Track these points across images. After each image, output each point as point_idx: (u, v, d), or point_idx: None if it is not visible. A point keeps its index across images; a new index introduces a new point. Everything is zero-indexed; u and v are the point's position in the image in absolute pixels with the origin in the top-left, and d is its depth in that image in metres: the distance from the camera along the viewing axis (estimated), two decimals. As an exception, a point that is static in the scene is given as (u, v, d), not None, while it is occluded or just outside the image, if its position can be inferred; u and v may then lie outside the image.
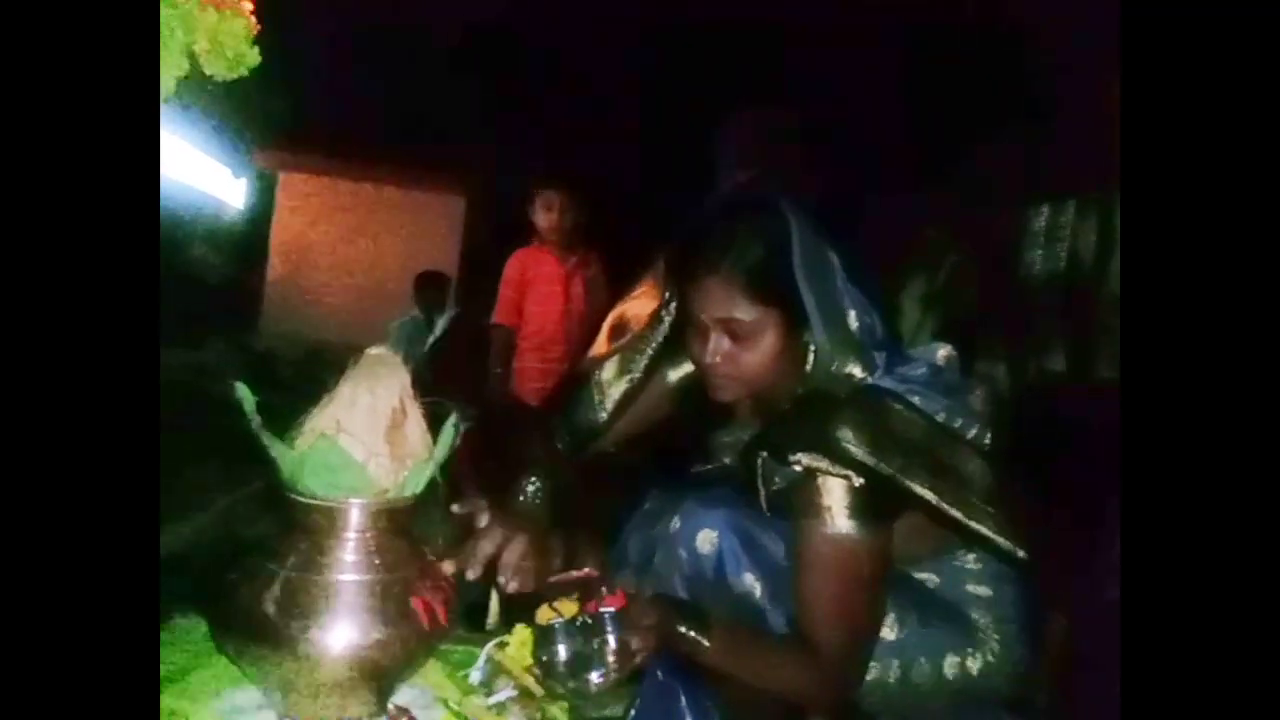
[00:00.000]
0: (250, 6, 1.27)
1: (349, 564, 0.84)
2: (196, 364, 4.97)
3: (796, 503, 1.04)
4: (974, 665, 1.11)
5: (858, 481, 1.01)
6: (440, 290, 4.54)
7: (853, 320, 1.10)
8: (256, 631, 0.82)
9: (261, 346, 6.07)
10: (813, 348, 1.09)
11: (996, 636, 1.12)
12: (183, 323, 5.32)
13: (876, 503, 1.03)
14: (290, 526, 0.87)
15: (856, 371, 1.08)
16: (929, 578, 1.16)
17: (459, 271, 6.85)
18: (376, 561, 0.85)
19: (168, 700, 0.91)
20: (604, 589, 0.91)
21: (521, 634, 1.06)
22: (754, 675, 1.03)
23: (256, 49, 1.27)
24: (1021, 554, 1.07)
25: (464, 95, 7.04)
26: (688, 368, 1.30)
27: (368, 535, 0.85)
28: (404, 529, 0.89)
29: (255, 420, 0.82)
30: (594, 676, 0.88)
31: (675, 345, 1.28)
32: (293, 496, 0.85)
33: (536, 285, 2.99)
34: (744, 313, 1.05)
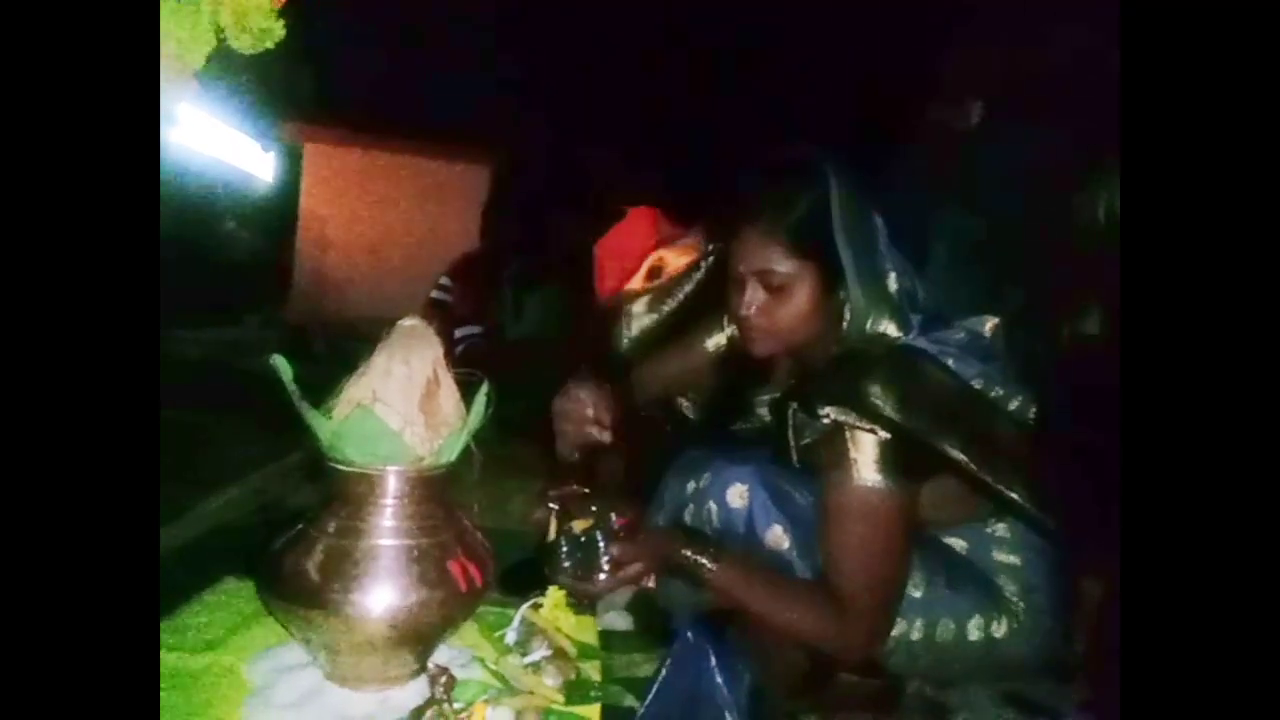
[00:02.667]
0: (276, -19, 1.28)
1: (387, 529, 0.87)
2: (232, 340, 5.06)
3: (825, 455, 1.06)
4: (998, 630, 1.11)
5: (884, 436, 1.02)
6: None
7: (892, 282, 1.11)
8: (301, 595, 0.85)
9: (294, 320, 6.16)
10: (848, 306, 1.09)
11: (1022, 604, 1.12)
12: (217, 300, 5.41)
13: (904, 458, 1.03)
14: (330, 494, 0.89)
15: (891, 331, 1.09)
16: (958, 543, 1.17)
17: (481, 237, 6.86)
18: (414, 527, 0.88)
19: (220, 657, 0.96)
20: (613, 514, 1.02)
21: (555, 596, 1.09)
22: (769, 612, 1.05)
23: (281, 22, 1.27)
24: (1050, 523, 1.07)
25: (487, 65, 7.00)
26: (722, 337, 1.32)
27: (405, 501, 0.88)
28: (440, 495, 0.91)
29: (294, 391, 0.85)
30: (596, 578, 1.01)
31: (713, 312, 1.30)
32: (332, 465, 0.87)
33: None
34: (780, 265, 1.08)
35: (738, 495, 1.12)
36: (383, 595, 0.85)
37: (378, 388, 0.84)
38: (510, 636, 1.03)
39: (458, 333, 3.15)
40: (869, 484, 1.02)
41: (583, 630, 1.10)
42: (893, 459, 1.02)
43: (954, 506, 1.13)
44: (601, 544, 1.00)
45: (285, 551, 0.88)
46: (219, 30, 1.19)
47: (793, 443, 1.09)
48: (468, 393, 0.94)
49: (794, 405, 1.08)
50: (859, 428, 1.02)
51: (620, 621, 1.30)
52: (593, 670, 1.02)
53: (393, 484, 0.87)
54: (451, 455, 0.90)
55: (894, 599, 1.06)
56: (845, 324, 1.10)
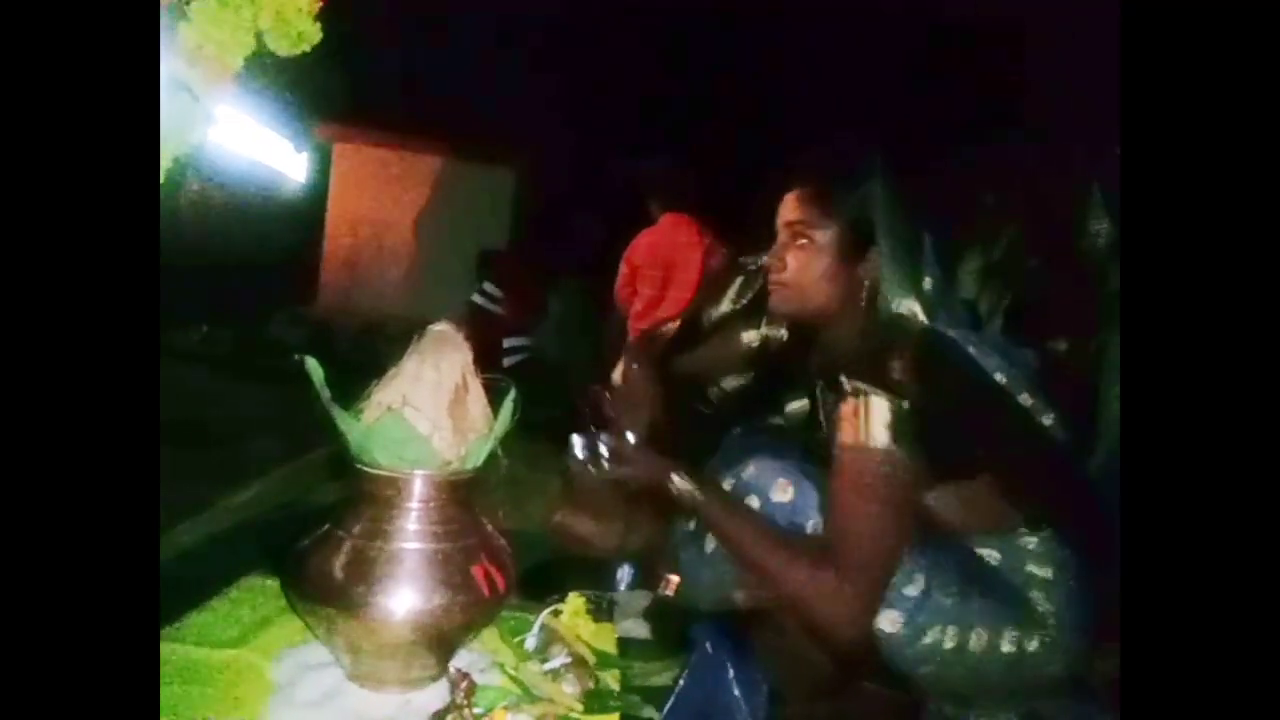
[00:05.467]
0: (313, -15, 1.29)
1: (413, 533, 0.87)
2: (259, 338, 5.11)
3: (842, 425, 1.06)
4: (1030, 645, 1.10)
5: (902, 404, 1.02)
6: (492, 262, 4.56)
7: (926, 280, 1.12)
8: (325, 594, 0.86)
9: (320, 319, 6.22)
10: (873, 283, 1.12)
11: (1054, 620, 1.11)
12: (245, 298, 5.48)
13: (920, 432, 1.03)
14: (357, 496, 0.90)
15: (919, 314, 1.10)
16: (991, 554, 1.16)
17: (510, 243, 6.91)
18: (439, 531, 0.88)
19: (244, 653, 0.96)
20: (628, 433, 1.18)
21: (574, 603, 1.09)
22: (759, 557, 1.06)
23: (318, 25, 1.29)
24: (1082, 536, 1.06)
25: (515, 68, 7.04)
26: (756, 336, 1.37)
27: (431, 505, 0.88)
28: (465, 500, 0.92)
29: (324, 393, 0.85)
30: (592, 466, 1.16)
31: (753, 312, 1.37)
32: (359, 467, 0.88)
33: None
34: (811, 217, 1.14)
35: (781, 489, 1.12)
36: (406, 598, 0.85)
37: (407, 392, 0.85)
38: (530, 643, 1.03)
39: (507, 343, 3.17)
40: (879, 448, 1.03)
41: (601, 638, 1.10)
42: (909, 430, 1.03)
43: (984, 511, 1.12)
44: (604, 442, 1.15)
45: (310, 551, 0.88)
46: (258, 33, 1.21)
47: (824, 423, 1.10)
48: (495, 398, 0.94)
49: (820, 384, 1.09)
50: (875, 394, 1.04)
51: (638, 630, 1.30)
52: (611, 679, 1.02)
53: (419, 488, 0.88)
54: (478, 460, 0.90)
55: (889, 573, 1.04)
56: (868, 301, 1.13)
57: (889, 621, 1.05)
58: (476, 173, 7.71)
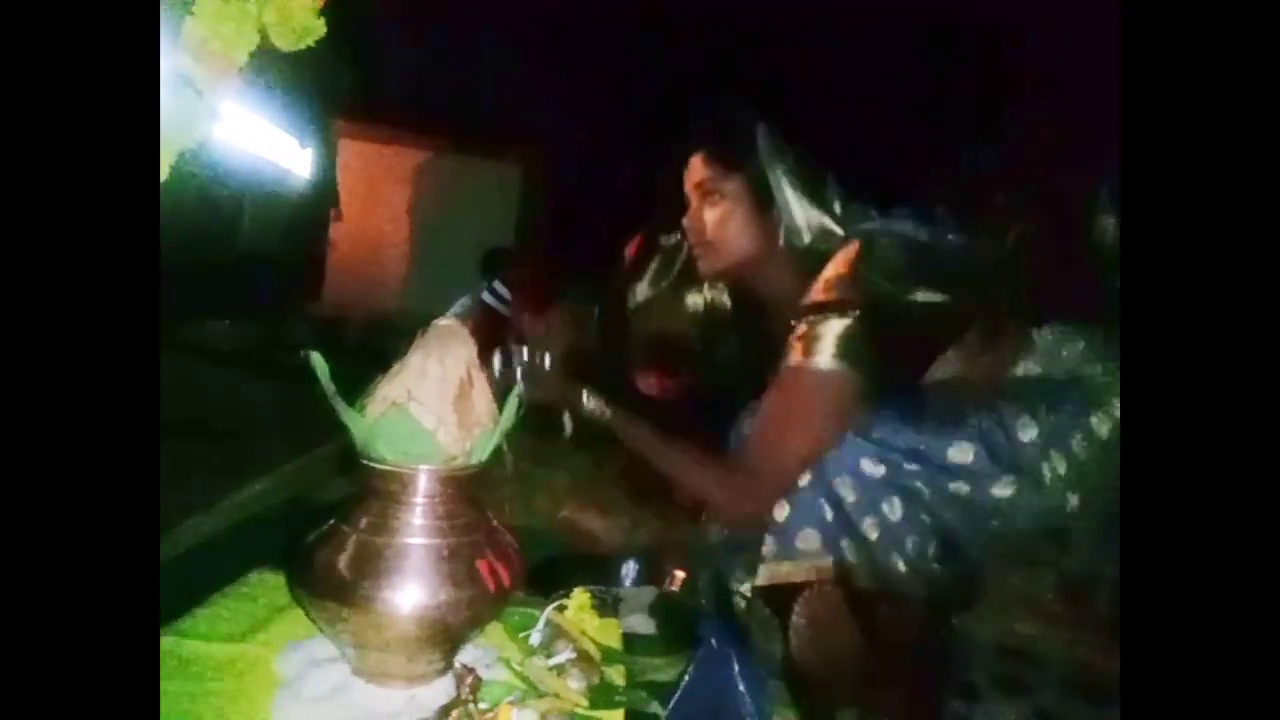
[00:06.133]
0: (318, -18, 1.29)
1: (418, 528, 0.87)
2: (265, 334, 5.13)
3: (788, 348, 1.14)
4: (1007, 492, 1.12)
5: (846, 321, 1.09)
6: (501, 262, 4.54)
7: (836, 205, 1.20)
8: (331, 590, 0.86)
9: (327, 314, 6.24)
10: (782, 225, 1.19)
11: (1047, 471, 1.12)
12: (251, 293, 5.49)
13: (858, 339, 1.10)
14: (363, 491, 0.90)
15: (834, 228, 1.18)
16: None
17: (516, 240, 6.91)
18: (444, 526, 0.88)
19: (250, 648, 0.97)
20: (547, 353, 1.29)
21: (579, 598, 1.09)
22: (663, 456, 1.20)
23: (322, 20, 1.29)
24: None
25: (522, 64, 7.03)
26: (700, 298, 1.44)
27: (436, 500, 0.88)
28: (471, 495, 0.92)
29: (329, 388, 0.85)
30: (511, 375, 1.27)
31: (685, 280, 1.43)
32: (365, 462, 0.88)
33: None
34: (717, 174, 1.22)
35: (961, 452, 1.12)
36: (412, 593, 0.85)
37: (412, 387, 0.84)
38: (535, 638, 1.03)
39: (512, 347, 3.17)
40: (824, 372, 1.10)
41: (606, 633, 1.10)
42: (856, 345, 1.09)
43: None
44: (523, 361, 1.26)
45: (316, 546, 0.89)
46: (262, 27, 1.21)
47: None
48: (500, 394, 0.94)
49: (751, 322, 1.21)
50: (820, 318, 1.11)
51: (644, 625, 1.30)
52: (616, 674, 1.02)
53: (424, 483, 0.88)
54: (483, 455, 0.90)
55: (793, 476, 1.11)
56: (787, 241, 1.19)
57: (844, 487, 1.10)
58: (483, 169, 7.71)
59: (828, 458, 1.11)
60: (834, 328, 1.09)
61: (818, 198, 1.18)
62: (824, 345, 1.10)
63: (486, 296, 3.73)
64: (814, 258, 1.18)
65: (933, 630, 1.17)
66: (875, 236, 1.17)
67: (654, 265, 1.46)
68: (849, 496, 1.09)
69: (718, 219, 1.22)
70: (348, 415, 0.86)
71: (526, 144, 7.26)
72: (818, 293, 1.14)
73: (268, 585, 1.13)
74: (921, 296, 1.12)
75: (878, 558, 1.09)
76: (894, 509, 1.09)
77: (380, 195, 7.59)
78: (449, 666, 0.90)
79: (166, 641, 0.94)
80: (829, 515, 1.11)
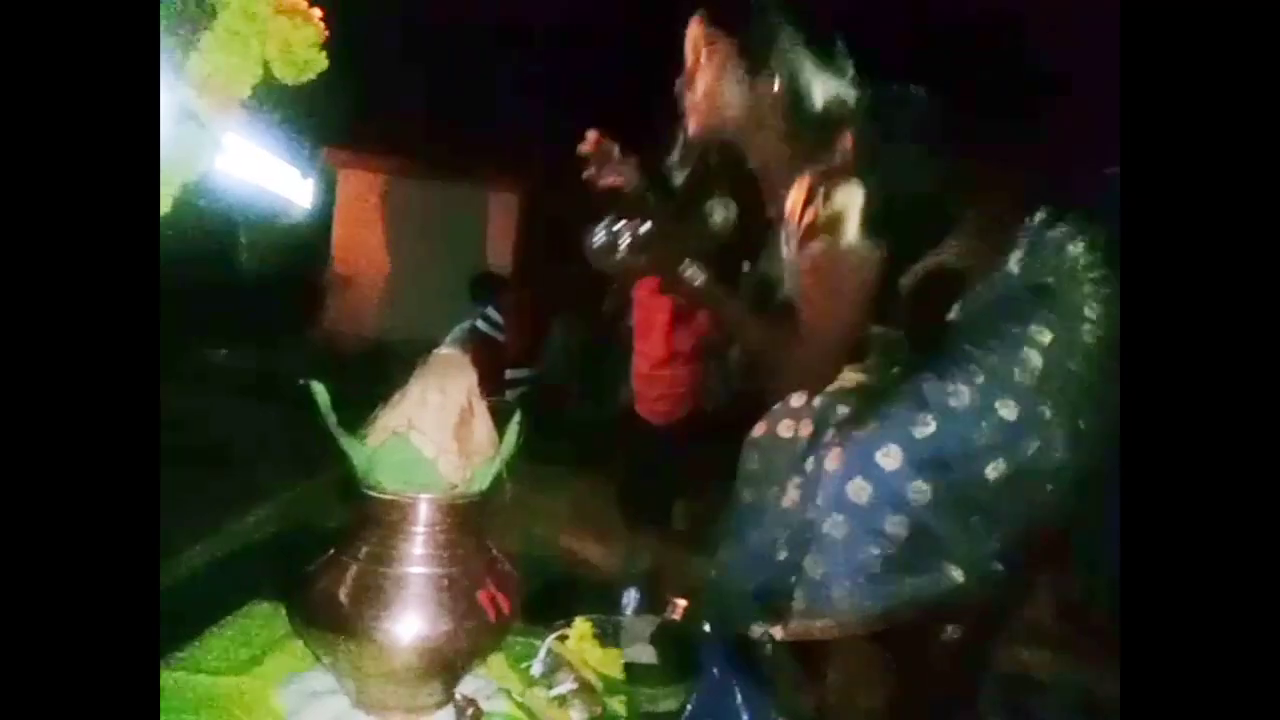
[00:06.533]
0: (319, 13, 1.31)
1: (418, 557, 0.87)
2: (265, 362, 5.12)
3: (802, 219, 1.14)
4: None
5: (856, 186, 1.09)
6: (492, 287, 4.57)
7: (849, 69, 1.18)
8: (331, 619, 0.85)
9: (325, 342, 6.24)
10: (777, 84, 1.17)
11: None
12: (250, 320, 5.50)
13: (877, 207, 1.10)
14: (363, 520, 0.90)
15: (849, 98, 1.17)
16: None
17: (513, 267, 6.93)
18: (444, 555, 0.88)
19: (246, 681, 0.96)
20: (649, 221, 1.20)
21: (581, 628, 1.08)
22: (743, 324, 1.22)
23: (324, 54, 1.31)
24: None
25: (518, 92, 7.10)
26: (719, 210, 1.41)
27: (437, 530, 0.88)
28: (471, 524, 0.91)
29: (330, 417, 0.86)
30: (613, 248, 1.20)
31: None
32: (365, 490, 0.88)
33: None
34: (714, 34, 1.19)
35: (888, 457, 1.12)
36: (412, 623, 0.85)
37: (413, 415, 0.85)
38: (536, 668, 1.02)
39: (509, 374, 3.15)
40: (845, 242, 1.10)
41: (608, 663, 1.09)
42: (869, 211, 1.10)
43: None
44: (623, 230, 1.19)
45: (316, 577, 0.88)
46: (265, 61, 1.23)
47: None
48: (500, 421, 0.94)
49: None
50: (831, 184, 1.11)
51: (645, 654, 1.29)
52: (618, 704, 1.01)
53: (425, 512, 0.87)
54: (483, 484, 0.90)
55: (846, 347, 1.15)
56: (788, 105, 1.16)
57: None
58: (480, 196, 7.76)
59: (864, 502, 1.07)
60: (855, 200, 1.09)
61: (827, 62, 1.16)
62: (848, 221, 1.09)
63: (481, 323, 3.74)
64: (824, 126, 1.15)
65: (976, 653, 1.15)
66: (886, 105, 1.16)
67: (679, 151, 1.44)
68: (900, 532, 1.06)
69: (712, 77, 1.19)
70: (348, 444, 0.86)
71: (521, 169, 7.31)
72: (833, 163, 1.13)
73: (265, 616, 1.12)
74: (930, 167, 1.12)
75: (935, 580, 1.06)
76: (943, 521, 1.06)
77: (377, 222, 7.63)
78: (450, 698, 0.89)
79: (166, 675, 0.94)
80: (876, 554, 1.06)
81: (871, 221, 1.10)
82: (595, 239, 1.20)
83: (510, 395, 3.23)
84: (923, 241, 1.16)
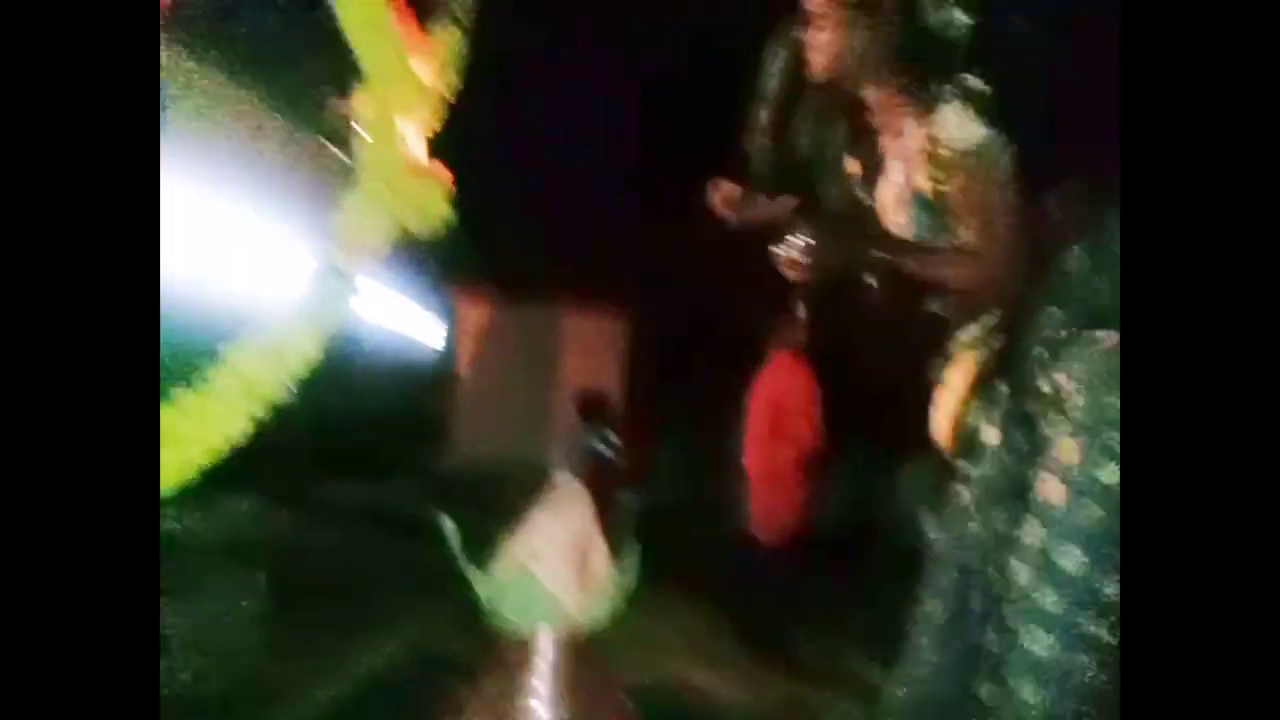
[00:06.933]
0: (449, 173, 1.43)
1: (541, 693, 0.86)
2: (387, 494, 5.32)
3: (937, 129, 1.16)
4: None
5: (979, 89, 1.12)
6: (602, 408, 4.64)
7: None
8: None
9: (444, 470, 6.45)
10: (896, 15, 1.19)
11: None
12: (371, 453, 5.77)
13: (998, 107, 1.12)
14: (485, 653, 0.90)
15: (962, 16, 1.18)
16: None
17: (625, 390, 7.06)
18: (568, 692, 0.87)
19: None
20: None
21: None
22: (925, 277, 1.19)
23: (452, 208, 1.42)
24: None
25: (626, 225, 7.46)
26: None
27: (558, 665, 0.87)
28: (592, 657, 0.90)
29: (459, 552, 0.88)
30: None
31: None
32: (490, 624, 0.89)
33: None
34: None
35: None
36: (536, 764, 0.83)
37: (537, 547, 0.86)
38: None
39: (622, 495, 3.15)
40: (979, 143, 1.12)
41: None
42: (984, 106, 1.12)
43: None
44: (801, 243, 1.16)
45: (440, 712, 0.88)
46: (401, 219, 1.34)
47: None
48: (617, 550, 0.94)
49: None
50: (953, 91, 1.13)
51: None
52: None
53: (548, 646, 0.87)
54: (604, 618, 0.89)
55: (1017, 240, 1.13)
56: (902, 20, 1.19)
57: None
58: (591, 322, 8.05)
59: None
60: (969, 95, 1.13)
61: None
62: (965, 119, 1.13)
63: (597, 444, 3.79)
64: (940, 53, 1.20)
65: None
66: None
67: (801, 109, 1.46)
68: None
69: (833, 22, 1.23)
70: (475, 577, 0.88)
71: (633, 299, 7.57)
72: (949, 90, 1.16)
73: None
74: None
75: None
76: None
77: (494, 353, 8.00)
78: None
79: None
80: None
81: (994, 115, 1.13)
82: (785, 251, 1.19)
83: (624, 518, 3.21)
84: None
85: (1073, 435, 1.04)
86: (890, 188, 1.29)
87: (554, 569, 0.85)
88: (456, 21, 1.32)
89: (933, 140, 1.17)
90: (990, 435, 1.20)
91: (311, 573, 2.60)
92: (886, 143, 1.29)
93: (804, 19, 1.24)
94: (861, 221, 1.30)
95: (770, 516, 2.83)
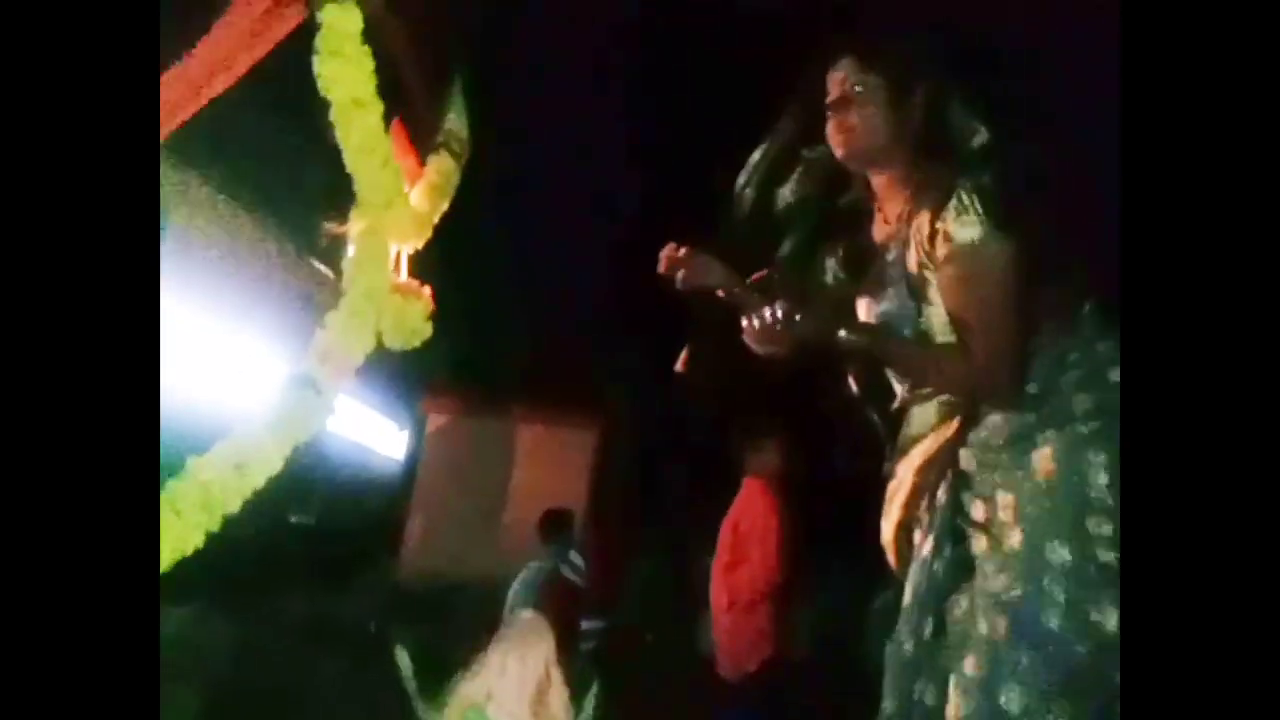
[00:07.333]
0: (429, 290, 1.46)
1: (488, 846, 0.82)
2: (342, 605, 5.10)
3: (935, 225, 1.18)
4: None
5: (985, 184, 1.14)
6: (566, 528, 4.52)
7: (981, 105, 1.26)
8: None
9: (401, 582, 6.23)
10: (919, 105, 1.25)
11: None
12: (327, 563, 5.57)
13: (1004, 204, 1.14)
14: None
15: (980, 131, 1.22)
16: None
17: (588, 505, 6.94)
18: (515, 844, 0.82)
19: None
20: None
21: None
22: (920, 372, 1.22)
23: (430, 324, 1.45)
24: None
25: (598, 335, 7.56)
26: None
27: (509, 815, 0.83)
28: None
29: (411, 685, 0.85)
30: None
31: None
32: (438, 765, 0.85)
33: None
34: (855, 74, 1.27)
35: None
36: None
37: (492, 686, 0.84)
38: None
39: (584, 624, 3.04)
40: (978, 240, 1.13)
41: None
42: (997, 209, 1.13)
43: None
44: (774, 315, 1.14)
45: None
46: (379, 332, 1.36)
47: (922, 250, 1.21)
48: (575, 683, 0.91)
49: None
50: (960, 185, 1.14)
51: None
52: None
53: (497, 794, 0.83)
54: (559, 762, 0.86)
55: (1016, 347, 1.14)
56: (925, 125, 1.24)
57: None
58: (559, 436, 8.00)
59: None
60: (982, 194, 1.15)
61: (965, 100, 1.26)
62: (975, 216, 1.14)
63: (563, 567, 3.69)
64: (957, 157, 1.23)
65: None
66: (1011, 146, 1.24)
67: (797, 174, 1.43)
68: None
69: (865, 113, 1.27)
70: (427, 715, 0.85)
71: (599, 411, 7.57)
72: (957, 156, 1.21)
73: None
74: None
75: None
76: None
77: (459, 463, 7.88)
78: None
79: None
80: None
81: (1001, 215, 1.15)
82: (758, 322, 1.17)
83: (586, 647, 3.09)
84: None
85: (1000, 571, 1.06)
86: (878, 267, 1.32)
87: (508, 708, 0.83)
88: (452, 154, 1.39)
89: (936, 230, 1.20)
90: (925, 544, 1.21)
91: (251, 690, 2.45)
92: (880, 225, 1.34)
93: (829, 99, 1.30)
94: (833, 298, 1.33)
95: (734, 649, 2.75)
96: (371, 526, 7.09)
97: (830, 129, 1.31)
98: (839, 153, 1.31)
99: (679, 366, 1.44)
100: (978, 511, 1.13)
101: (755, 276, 1.34)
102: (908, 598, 1.20)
